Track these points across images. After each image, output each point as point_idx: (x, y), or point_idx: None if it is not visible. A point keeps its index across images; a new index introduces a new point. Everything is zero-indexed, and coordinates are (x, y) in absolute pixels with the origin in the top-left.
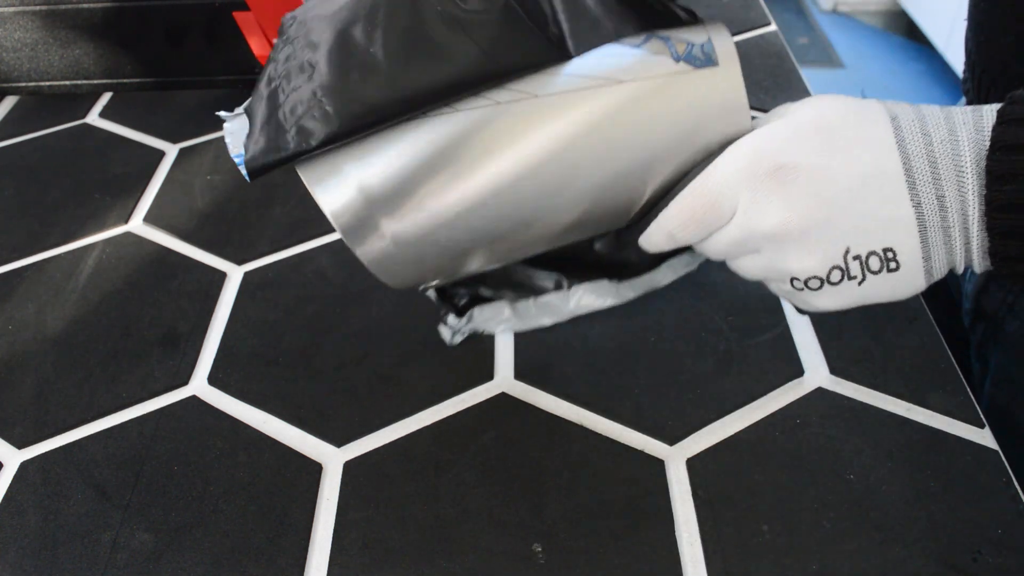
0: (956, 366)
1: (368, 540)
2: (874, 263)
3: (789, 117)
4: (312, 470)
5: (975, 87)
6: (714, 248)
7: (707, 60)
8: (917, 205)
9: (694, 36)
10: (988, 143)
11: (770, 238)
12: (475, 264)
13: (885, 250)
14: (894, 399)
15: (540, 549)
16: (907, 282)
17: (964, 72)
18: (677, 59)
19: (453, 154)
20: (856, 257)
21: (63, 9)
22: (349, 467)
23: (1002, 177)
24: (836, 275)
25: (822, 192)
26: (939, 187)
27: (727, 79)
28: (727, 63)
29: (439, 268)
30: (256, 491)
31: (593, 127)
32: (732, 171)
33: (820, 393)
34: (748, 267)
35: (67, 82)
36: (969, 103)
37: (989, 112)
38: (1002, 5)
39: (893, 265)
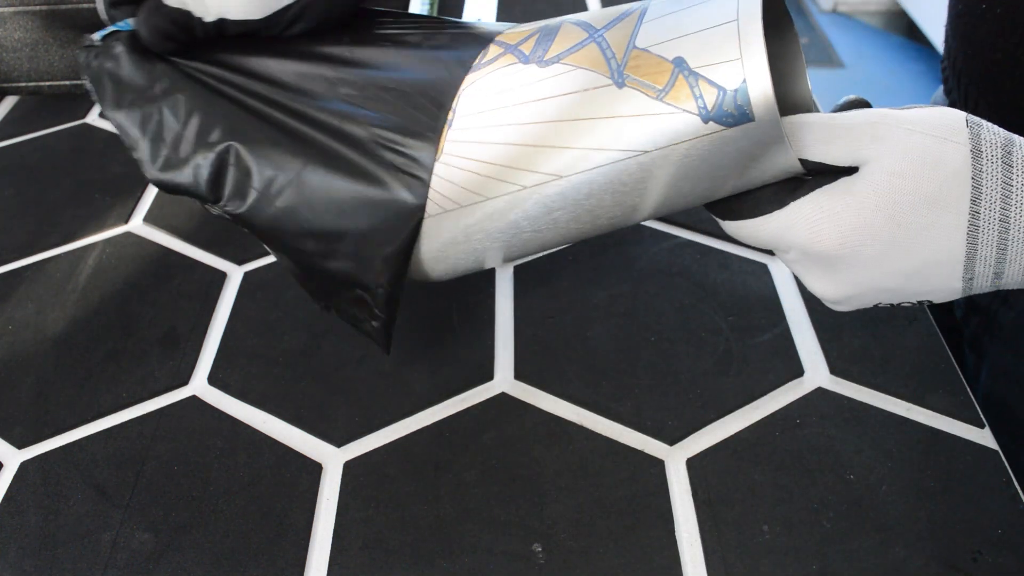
0: (956, 366)
1: (368, 540)
2: (904, 305)
3: (863, 187)
4: (312, 470)
5: (960, 95)
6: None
7: (740, 115)
8: (969, 280)
9: (727, 73)
10: None
11: (807, 280)
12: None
13: (920, 301)
14: (894, 399)
15: (540, 549)
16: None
17: (946, 76)
18: (706, 118)
19: (478, 232)
20: (888, 305)
21: (63, 9)
22: (349, 467)
23: None
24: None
25: (873, 280)
26: (999, 265)
27: (773, 138)
28: (765, 117)
29: (465, 268)
30: (256, 491)
31: (624, 196)
32: (789, 236)
33: (820, 393)
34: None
35: (67, 82)
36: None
37: None
38: (988, 22)
39: (925, 304)
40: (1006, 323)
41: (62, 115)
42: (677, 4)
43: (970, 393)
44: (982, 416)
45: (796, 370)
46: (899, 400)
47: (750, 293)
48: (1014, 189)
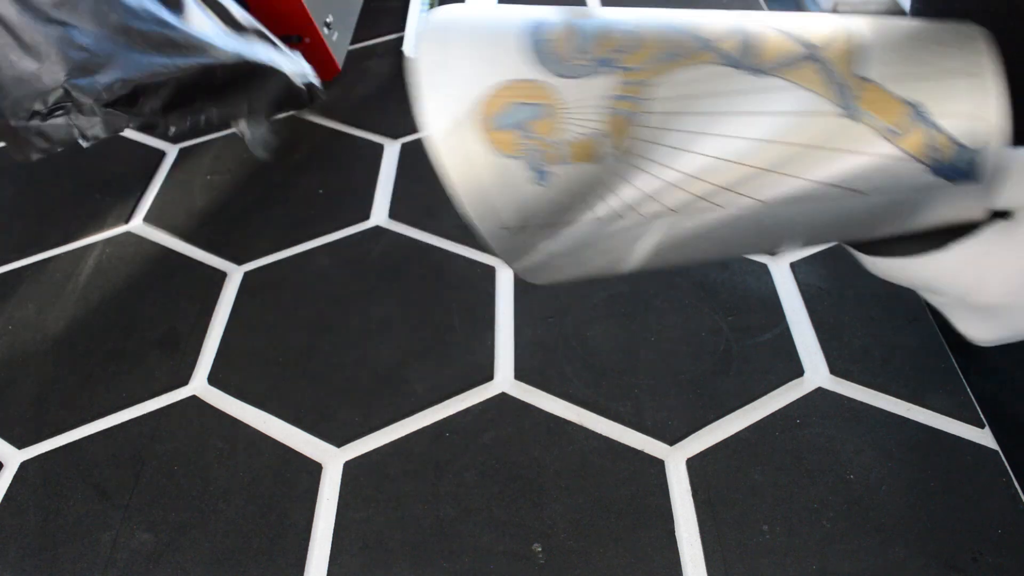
0: (956, 366)
1: (368, 540)
2: None
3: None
4: (312, 470)
5: None
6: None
7: (968, 173)
8: None
9: (969, 129)
10: None
11: (957, 321)
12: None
13: None
14: (894, 399)
15: (540, 549)
16: None
17: None
18: (936, 170)
19: (656, 246)
20: None
21: None
22: (349, 467)
23: None
24: None
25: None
26: None
27: (978, 198)
28: (992, 177)
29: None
30: (256, 491)
31: (818, 230)
32: (946, 280)
33: (820, 393)
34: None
35: None
36: None
37: None
38: (937, 9)
39: None
40: None
41: None
42: (900, 32)
43: (970, 393)
44: (982, 416)
45: (796, 370)
46: (899, 400)
47: (750, 293)
48: None
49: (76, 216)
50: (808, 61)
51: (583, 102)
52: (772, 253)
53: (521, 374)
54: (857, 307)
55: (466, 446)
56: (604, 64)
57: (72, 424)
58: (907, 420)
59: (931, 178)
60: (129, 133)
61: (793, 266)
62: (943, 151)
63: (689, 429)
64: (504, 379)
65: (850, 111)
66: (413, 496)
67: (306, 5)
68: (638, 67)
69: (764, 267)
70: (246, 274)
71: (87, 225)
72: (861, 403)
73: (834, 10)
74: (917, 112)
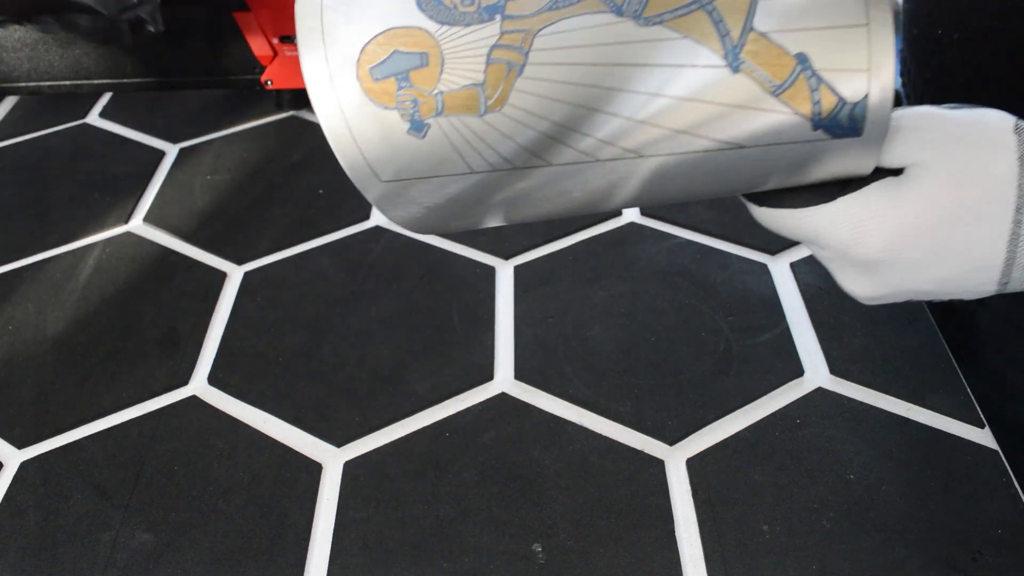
0: (956, 366)
1: (368, 540)
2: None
3: (910, 191)
4: (312, 470)
5: (911, 81)
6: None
7: (851, 129)
8: (1004, 284)
9: (852, 84)
10: None
11: (839, 277)
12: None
13: (951, 299)
14: (894, 399)
15: (540, 549)
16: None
17: (907, 94)
18: (816, 124)
19: (531, 198)
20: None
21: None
22: (349, 467)
23: None
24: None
25: (910, 283)
26: None
27: (865, 152)
28: (873, 133)
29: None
30: (256, 491)
31: (700, 182)
32: (831, 233)
33: (820, 393)
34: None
35: (67, 82)
36: (907, 95)
37: None
38: (946, 48)
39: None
40: (983, 323)
41: (62, 115)
42: None
43: (970, 393)
44: (982, 416)
45: (796, 370)
46: (899, 400)
47: (750, 293)
48: None
49: (76, 216)
50: (698, 8)
51: (463, 51)
52: (652, 206)
53: (521, 374)
54: (857, 307)
55: (466, 446)
56: (489, 11)
57: (72, 424)
58: (907, 420)
59: (813, 133)
60: (129, 133)
61: (793, 266)
62: (825, 105)
63: (689, 429)
64: (504, 379)
65: (735, 63)
66: (413, 496)
67: None
68: (522, 15)
69: (764, 267)
70: (246, 274)
71: (87, 225)
72: (861, 403)
73: None
74: (803, 65)
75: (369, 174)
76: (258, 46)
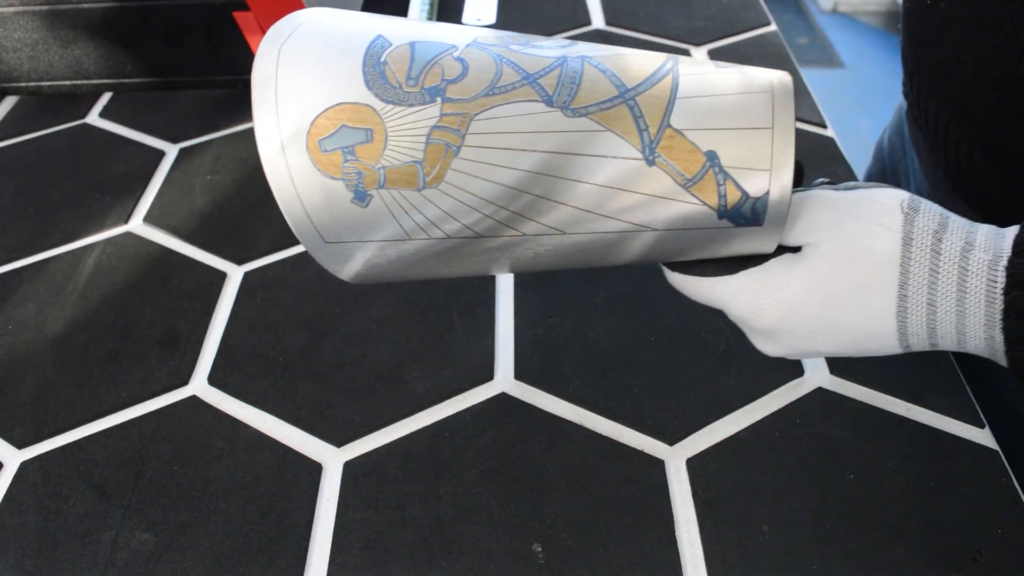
0: (956, 366)
1: (368, 540)
2: None
3: (802, 270)
4: (312, 470)
5: (913, 93)
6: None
7: (752, 219)
8: (906, 347)
9: (755, 181)
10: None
11: (749, 336)
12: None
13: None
14: (894, 399)
15: (540, 549)
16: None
17: (903, 79)
18: (722, 214)
19: (463, 262)
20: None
21: (63, 9)
22: (349, 467)
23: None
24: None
25: (810, 348)
26: (932, 338)
27: (766, 237)
28: (772, 223)
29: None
30: (256, 491)
31: (617, 255)
32: (732, 303)
33: (820, 393)
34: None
35: (67, 82)
36: (909, 107)
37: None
38: (934, 18)
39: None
40: None
41: (62, 115)
42: (711, 83)
43: (970, 393)
44: (982, 416)
45: (796, 370)
46: (899, 400)
47: None
48: (940, 276)
49: (76, 216)
50: (621, 103)
51: (406, 130)
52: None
53: (521, 374)
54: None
55: (466, 446)
56: (432, 93)
57: (72, 424)
58: (907, 420)
59: (719, 221)
60: (129, 133)
61: None
62: (730, 198)
63: (689, 429)
64: (504, 379)
65: (651, 157)
66: (413, 496)
67: (305, 5)
68: (461, 99)
69: None
70: (246, 274)
71: (87, 225)
72: (861, 403)
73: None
74: (711, 160)
75: (315, 235)
76: (258, 46)
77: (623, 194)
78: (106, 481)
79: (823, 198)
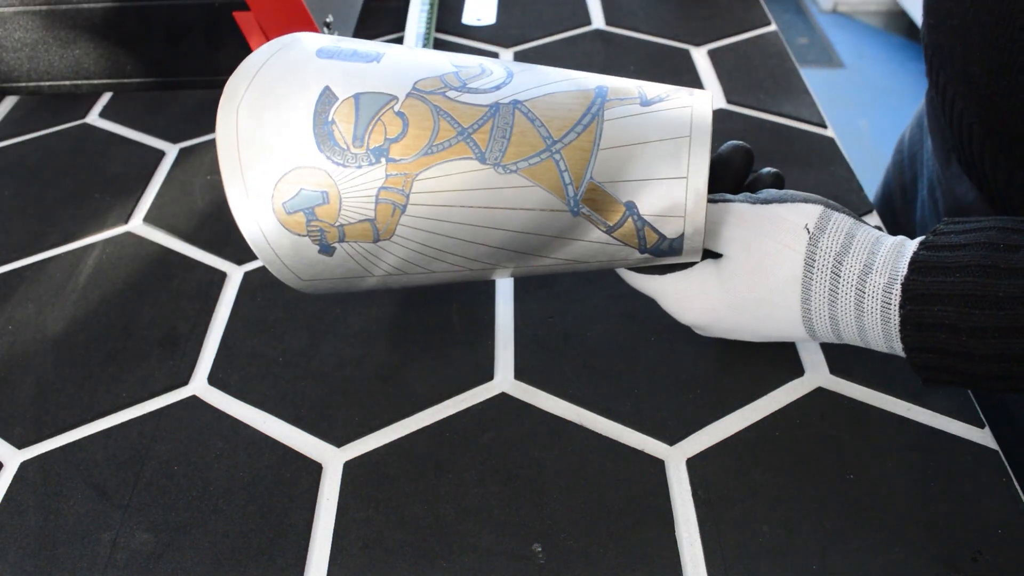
0: None
1: (368, 540)
2: None
3: (715, 278)
4: (312, 470)
5: (930, 72)
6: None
7: (671, 252)
8: (819, 342)
9: (671, 225)
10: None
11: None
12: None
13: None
14: (894, 399)
15: (540, 549)
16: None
17: (924, 53)
18: (643, 251)
19: (420, 283)
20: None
21: (63, 9)
22: (349, 467)
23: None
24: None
25: (734, 338)
26: (841, 339)
27: (685, 260)
28: (689, 253)
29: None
30: (256, 491)
31: (554, 276)
32: (663, 300)
33: (820, 393)
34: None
35: (67, 82)
36: (928, 89)
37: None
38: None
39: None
40: None
41: (62, 115)
42: (632, 129)
43: (970, 393)
44: (982, 416)
45: (796, 370)
46: (899, 400)
47: None
48: (839, 297)
49: (76, 216)
50: (547, 156)
51: (357, 192)
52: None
53: (521, 374)
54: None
55: (466, 446)
56: (376, 154)
57: (72, 424)
58: (907, 420)
59: (640, 255)
60: (129, 133)
61: None
62: (648, 239)
63: (689, 429)
64: (504, 379)
65: (575, 209)
66: (413, 496)
67: (306, 5)
68: (403, 159)
69: None
70: (246, 274)
71: (87, 225)
72: (861, 403)
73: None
74: (630, 210)
75: (291, 276)
76: (258, 46)
77: (552, 239)
78: (106, 481)
79: (738, 213)
